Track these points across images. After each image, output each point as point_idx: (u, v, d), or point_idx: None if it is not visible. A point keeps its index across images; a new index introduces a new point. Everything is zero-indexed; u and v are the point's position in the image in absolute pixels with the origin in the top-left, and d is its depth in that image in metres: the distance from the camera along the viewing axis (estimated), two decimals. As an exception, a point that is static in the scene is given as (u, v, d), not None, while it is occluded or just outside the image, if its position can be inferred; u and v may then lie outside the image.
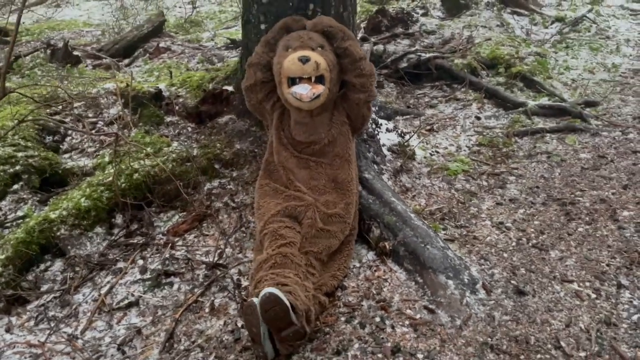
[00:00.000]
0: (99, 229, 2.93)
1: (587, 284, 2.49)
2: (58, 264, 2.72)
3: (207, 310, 2.41)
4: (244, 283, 2.55)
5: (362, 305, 2.38)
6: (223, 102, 3.66)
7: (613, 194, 3.26)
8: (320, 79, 2.62)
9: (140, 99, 3.87)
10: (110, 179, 3.00)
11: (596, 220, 3.00)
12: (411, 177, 3.44)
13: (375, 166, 3.24)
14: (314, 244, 2.46)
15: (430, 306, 2.34)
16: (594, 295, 2.41)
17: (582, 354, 2.09)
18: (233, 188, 3.20)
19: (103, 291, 2.54)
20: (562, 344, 2.13)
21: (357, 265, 2.67)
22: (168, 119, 3.86)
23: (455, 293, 2.36)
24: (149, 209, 3.08)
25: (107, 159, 3.39)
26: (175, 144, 3.48)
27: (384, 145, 3.55)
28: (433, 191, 3.35)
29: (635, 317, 2.26)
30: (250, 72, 2.86)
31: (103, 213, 2.96)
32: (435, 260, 2.49)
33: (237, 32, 7.47)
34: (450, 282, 2.40)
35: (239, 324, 2.29)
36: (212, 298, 2.48)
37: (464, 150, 3.98)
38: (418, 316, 2.29)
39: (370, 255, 2.74)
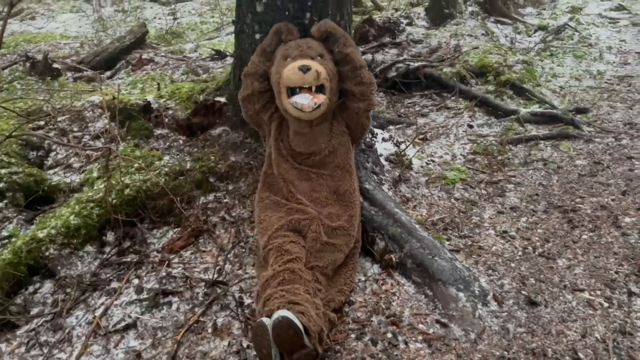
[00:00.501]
0: (89, 248, 2.79)
1: (598, 292, 2.45)
2: (48, 286, 2.58)
3: (209, 330, 2.29)
4: (247, 301, 2.44)
5: (371, 320, 2.29)
6: (215, 113, 3.55)
7: (613, 200, 3.25)
8: (320, 89, 2.56)
9: (127, 112, 3.74)
10: (100, 195, 2.88)
11: (599, 227, 2.97)
12: (410, 187, 3.38)
13: (375, 176, 3.17)
14: (319, 258, 2.37)
15: (443, 320, 2.26)
16: (606, 304, 2.37)
17: (601, 365, 2.04)
18: (229, 202, 3.09)
19: (98, 313, 2.41)
20: (580, 355, 2.07)
21: (363, 279, 2.58)
22: (158, 131, 3.74)
23: (467, 305, 2.29)
24: (142, 226, 2.95)
25: (95, 174, 3.25)
26: (166, 157, 3.36)
27: (381, 155, 3.48)
28: (433, 201, 3.29)
29: (650, 326, 2.23)
30: (247, 82, 2.78)
31: (93, 231, 2.82)
32: (444, 272, 2.42)
33: (220, 43, 7.39)
34: (461, 294, 2.33)
35: (244, 344, 2.19)
36: (214, 317, 2.36)
37: (459, 159, 3.95)
38: (431, 331, 2.22)
39: (375, 268, 2.65)
